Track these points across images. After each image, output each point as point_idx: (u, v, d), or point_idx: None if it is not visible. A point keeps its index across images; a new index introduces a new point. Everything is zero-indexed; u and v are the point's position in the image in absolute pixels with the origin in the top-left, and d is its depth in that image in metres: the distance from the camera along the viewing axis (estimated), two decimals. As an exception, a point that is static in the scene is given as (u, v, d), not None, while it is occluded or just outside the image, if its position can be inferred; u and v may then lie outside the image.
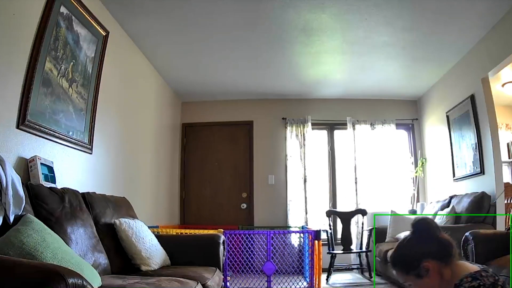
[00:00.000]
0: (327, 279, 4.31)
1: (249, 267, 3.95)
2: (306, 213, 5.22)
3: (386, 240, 4.46)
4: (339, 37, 3.82)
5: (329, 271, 4.39)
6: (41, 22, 2.31)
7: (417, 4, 3.19)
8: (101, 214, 2.50)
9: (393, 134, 5.40)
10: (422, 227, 1.35)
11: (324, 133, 5.68)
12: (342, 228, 4.76)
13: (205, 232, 3.69)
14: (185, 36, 3.77)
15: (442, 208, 4.07)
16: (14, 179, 1.71)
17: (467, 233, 2.56)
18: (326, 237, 4.61)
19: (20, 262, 1.06)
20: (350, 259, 4.96)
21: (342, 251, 4.62)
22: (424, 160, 5.30)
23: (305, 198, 5.27)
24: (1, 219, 1.55)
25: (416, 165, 5.36)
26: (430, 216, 1.26)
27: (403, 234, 4.07)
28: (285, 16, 3.41)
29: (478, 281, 1.18)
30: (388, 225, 4.54)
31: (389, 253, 3.91)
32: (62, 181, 2.49)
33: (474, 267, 1.26)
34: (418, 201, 5.25)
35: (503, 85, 4.65)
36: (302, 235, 4.61)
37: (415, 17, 3.39)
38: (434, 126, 5.07)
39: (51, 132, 2.43)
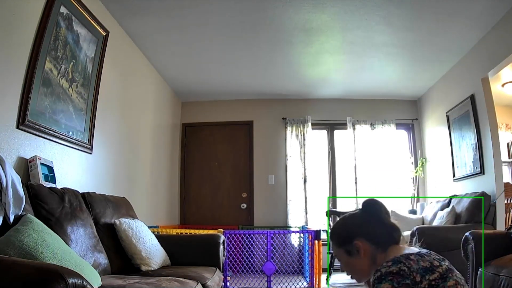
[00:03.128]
0: (327, 279, 4.31)
1: (249, 267, 3.95)
2: (306, 213, 5.22)
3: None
4: (339, 37, 3.82)
5: (329, 271, 4.39)
6: (41, 22, 2.31)
7: (417, 4, 3.19)
8: (101, 214, 2.50)
9: (393, 134, 5.40)
10: (370, 207, 1.29)
11: (324, 133, 5.68)
12: (342, 228, 4.75)
13: (205, 232, 3.69)
14: (185, 36, 3.77)
15: (442, 208, 4.07)
16: (14, 179, 1.71)
17: (467, 233, 2.56)
18: (326, 237, 4.61)
19: (20, 262, 1.06)
20: (350, 259, 4.95)
21: (342, 251, 4.61)
22: (424, 160, 5.30)
23: (305, 198, 5.27)
24: (1, 219, 1.55)
25: (416, 165, 5.36)
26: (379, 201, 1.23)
27: (404, 234, 4.07)
28: (285, 16, 3.41)
29: (399, 265, 1.07)
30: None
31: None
32: (62, 181, 2.49)
33: (409, 250, 1.16)
34: (418, 201, 5.25)
35: (503, 85, 4.65)
36: (302, 235, 4.61)
37: (415, 17, 3.39)
38: (434, 126, 5.07)
39: (51, 132, 2.43)
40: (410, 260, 1.08)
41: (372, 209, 1.29)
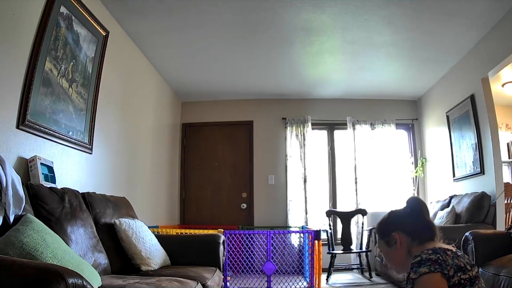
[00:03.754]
0: (327, 279, 4.31)
1: (249, 267, 3.95)
2: (306, 213, 5.22)
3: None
4: (339, 37, 3.82)
5: (329, 271, 4.39)
6: (41, 22, 2.31)
7: (417, 4, 3.19)
8: (101, 214, 2.50)
9: (393, 134, 5.40)
10: (414, 204, 1.42)
11: (324, 133, 5.68)
12: (342, 228, 4.76)
13: (205, 232, 3.69)
14: (185, 36, 3.77)
15: (442, 208, 4.07)
16: (14, 179, 1.71)
17: (467, 233, 2.56)
18: (326, 237, 4.61)
19: (20, 262, 1.06)
20: (350, 259, 4.96)
21: (342, 251, 4.62)
22: (424, 160, 5.30)
23: (305, 198, 5.27)
24: (1, 219, 1.55)
25: (416, 165, 5.36)
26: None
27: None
28: (285, 16, 3.41)
29: (438, 255, 1.15)
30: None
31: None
32: (62, 181, 2.49)
33: (446, 247, 1.24)
34: (418, 201, 5.24)
35: (503, 85, 4.65)
36: (302, 235, 4.61)
37: (415, 17, 3.39)
38: (434, 126, 5.07)
39: (51, 132, 2.43)
40: (447, 255, 1.16)
41: (413, 205, 1.42)
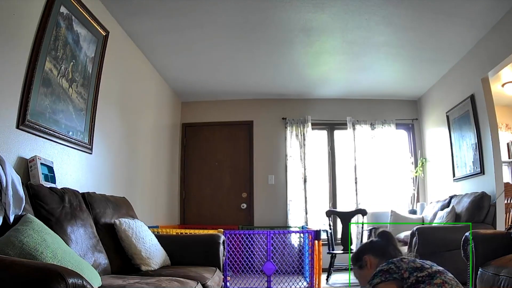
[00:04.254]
0: (327, 279, 4.31)
1: (249, 267, 3.95)
2: (306, 213, 5.22)
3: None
4: (339, 37, 3.82)
5: (329, 271, 4.39)
6: (41, 22, 2.31)
7: (417, 4, 3.19)
8: (101, 214, 2.50)
9: (393, 134, 5.40)
10: (381, 235, 1.67)
11: (324, 133, 5.68)
12: (342, 228, 4.76)
13: (205, 232, 3.69)
14: (185, 36, 3.77)
15: (442, 208, 4.07)
16: (14, 179, 1.71)
17: (467, 233, 2.56)
18: (326, 237, 4.61)
19: (20, 262, 1.06)
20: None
21: (342, 251, 4.62)
22: (424, 160, 5.30)
23: (305, 198, 5.27)
24: (1, 219, 1.55)
25: (416, 165, 5.36)
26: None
27: (403, 234, 4.08)
28: (285, 16, 3.41)
29: (390, 264, 1.32)
30: (388, 225, 4.54)
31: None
32: (62, 181, 2.49)
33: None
34: (418, 201, 5.25)
35: (503, 85, 4.65)
36: (302, 235, 4.61)
37: (415, 17, 3.39)
38: (434, 126, 5.07)
39: (51, 132, 2.43)
40: (402, 262, 1.32)
41: (381, 234, 1.67)
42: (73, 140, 2.69)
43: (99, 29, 3.02)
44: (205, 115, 5.67)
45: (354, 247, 4.78)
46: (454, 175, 4.40)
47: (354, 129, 5.41)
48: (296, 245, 4.94)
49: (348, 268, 4.80)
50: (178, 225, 5.26)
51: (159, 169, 4.70)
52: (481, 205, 3.51)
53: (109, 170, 3.29)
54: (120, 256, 2.44)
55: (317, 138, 5.60)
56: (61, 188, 2.24)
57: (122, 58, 3.58)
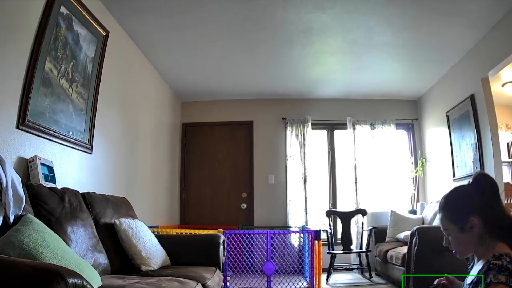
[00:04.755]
0: (327, 279, 4.31)
1: (249, 267, 3.95)
2: (306, 213, 5.22)
3: (386, 240, 4.47)
4: (339, 37, 3.82)
5: (329, 271, 4.39)
6: (41, 22, 2.31)
7: (417, 4, 3.19)
8: (101, 214, 2.50)
9: (393, 134, 5.40)
10: (485, 181, 1.26)
11: (324, 133, 5.68)
12: (342, 228, 4.76)
13: (205, 232, 3.69)
14: (185, 36, 3.77)
15: (442, 208, 4.07)
16: (14, 179, 1.71)
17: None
18: (326, 237, 4.61)
19: (20, 262, 1.06)
20: (350, 259, 4.96)
21: (342, 251, 4.62)
22: (424, 160, 5.29)
23: (305, 198, 5.27)
24: (1, 219, 1.55)
25: (416, 165, 5.36)
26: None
27: (403, 234, 4.08)
28: (285, 16, 3.41)
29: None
30: (388, 225, 4.54)
31: (390, 252, 3.91)
32: (62, 181, 2.49)
33: None
34: (418, 201, 5.25)
35: (503, 85, 4.65)
36: (302, 235, 4.61)
37: (415, 17, 3.39)
38: (434, 126, 5.07)
39: (51, 132, 2.43)
40: None
41: (487, 183, 1.26)
42: (73, 140, 2.69)
43: (99, 29, 3.02)
44: (205, 115, 5.67)
45: (354, 247, 4.79)
46: (454, 175, 4.40)
47: (354, 129, 5.41)
48: (296, 245, 4.94)
49: (348, 268, 4.81)
50: (178, 225, 5.26)
51: (159, 169, 4.70)
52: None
53: (109, 170, 3.29)
54: (120, 256, 2.44)
55: (317, 138, 5.60)
56: (61, 188, 2.24)
57: (122, 58, 3.58)
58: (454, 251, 1.31)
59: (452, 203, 1.30)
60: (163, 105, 4.92)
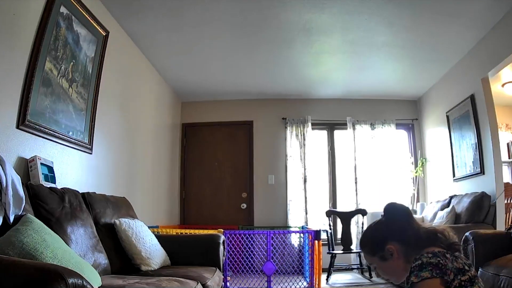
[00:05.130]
0: (327, 279, 4.31)
1: (249, 267, 3.95)
2: (306, 213, 5.22)
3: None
4: (339, 37, 3.82)
5: (329, 271, 4.39)
6: (41, 22, 2.31)
7: (417, 4, 3.19)
8: (101, 214, 2.50)
9: (393, 134, 5.40)
10: (391, 210, 1.36)
11: (324, 133, 5.68)
12: (342, 228, 4.76)
13: (205, 232, 3.68)
14: (185, 36, 3.77)
15: (442, 208, 4.07)
16: (14, 179, 1.71)
17: (467, 233, 2.56)
18: (326, 237, 4.61)
19: (20, 262, 1.06)
20: (350, 259, 4.96)
21: (342, 251, 4.62)
22: (424, 160, 5.30)
23: (305, 198, 5.27)
24: (1, 219, 1.55)
25: (416, 165, 5.36)
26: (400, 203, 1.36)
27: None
28: (285, 16, 3.41)
29: (438, 258, 1.13)
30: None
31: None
32: (62, 181, 2.49)
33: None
34: (418, 201, 5.25)
35: (503, 85, 4.65)
36: (302, 235, 4.61)
37: (415, 17, 3.39)
38: (434, 126, 5.07)
39: (51, 132, 2.43)
40: (446, 258, 1.14)
41: (393, 211, 1.35)
42: (73, 140, 2.69)
43: (99, 29, 3.02)
44: (205, 115, 5.67)
45: (354, 247, 4.78)
46: (454, 175, 4.40)
47: (354, 129, 5.41)
48: (296, 245, 4.94)
49: (348, 268, 4.81)
50: (178, 225, 5.26)
51: (159, 169, 4.70)
52: (481, 205, 3.51)
53: (109, 170, 3.29)
54: (120, 256, 2.44)
55: (317, 138, 5.60)
56: (61, 188, 2.24)
57: (122, 58, 3.58)
58: (387, 279, 1.38)
59: (368, 238, 1.39)
60: (163, 105, 4.92)
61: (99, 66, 3.06)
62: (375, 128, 5.42)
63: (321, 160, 5.57)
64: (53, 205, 1.99)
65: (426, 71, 4.62)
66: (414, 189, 5.31)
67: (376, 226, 1.39)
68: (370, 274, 4.45)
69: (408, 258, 1.26)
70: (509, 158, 5.30)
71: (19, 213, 1.68)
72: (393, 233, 1.31)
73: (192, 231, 3.84)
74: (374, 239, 1.35)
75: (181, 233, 3.84)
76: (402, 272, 1.30)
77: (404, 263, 1.27)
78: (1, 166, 1.66)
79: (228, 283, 3.71)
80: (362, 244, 1.41)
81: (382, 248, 1.30)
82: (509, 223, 3.57)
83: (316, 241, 3.78)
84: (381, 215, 1.38)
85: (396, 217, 1.34)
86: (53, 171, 2.35)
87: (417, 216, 4.66)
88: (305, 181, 5.31)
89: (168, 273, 2.28)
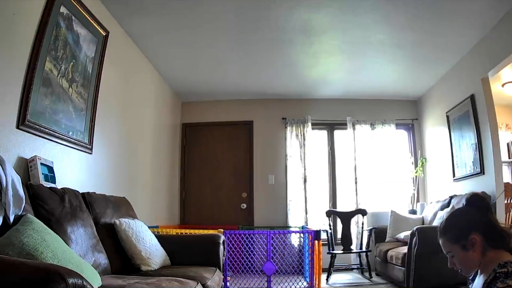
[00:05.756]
0: (327, 279, 4.31)
1: (249, 267, 3.95)
2: (306, 213, 5.22)
3: (386, 240, 4.46)
4: (339, 37, 3.82)
5: (329, 271, 4.39)
6: (41, 22, 2.31)
7: (417, 4, 3.19)
8: (101, 214, 2.50)
9: (393, 134, 5.40)
10: (479, 202, 1.35)
11: (324, 133, 5.68)
12: (342, 228, 4.76)
13: (205, 232, 3.68)
14: (185, 36, 3.77)
15: (442, 208, 4.07)
16: (14, 179, 1.71)
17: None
18: (326, 237, 4.61)
19: (20, 262, 1.06)
20: (350, 259, 4.96)
21: (342, 251, 4.62)
22: (424, 160, 5.30)
23: (305, 198, 5.27)
24: (1, 219, 1.55)
25: (416, 165, 5.36)
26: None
27: (403, 234, 4.08)
28: (285, 16, 3.41)
29: None
30: (388, 225, 4.54)
31: (390, 252, 3.91)
32: (62, 181, 2.49)
33: None
34: (418, 201, 5.25)
35: (503, 85, 4.65)
36: (302, 235, 4.61)
37: (415, 17, 3.39)
38: (434, 126, 5.07)
39: (51, 132, 2.43)
40: None
41: (480, 202, 1.35)
42: (73, 140, 2.69)
43: (99, 29, 3.02)
44: (205, 115, 5.67)
45: (354, 247, 4.79)
46: (454, 175, 4.39)
47: (354, 129, 5.41)
48: (296, 245, 4.94)
49: (348, 268, 4.81)
50: (178, 225, 5.26)
51: (159, 169, 4.70)
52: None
53: (109, 170, 3.29)
54: (120, 256, 2.44)
55: (317, 138, 5.60)
56: (61, 188, 2.24)
57: (122, 58, 3.58)
58: (460, 270, 1.36)
59: (451, 225, 1.37)
60: (163, 105, 4.92)
61: (99, 66, 3.06)
62: (375, 128, 5.42)
63: (321, 160, 5.57)
64: (53, 205, 1.99)
65: (426, 71, 4.62)
66: (414, 189, 5.31)
67: (462, 213, 1.37)
68: (370, 274, 4.45)
69: (484, 253, 1.27)
70: (509, 158, 5.30)
71: (19, 213, 1.68)
72: (479, 224, 1.30)
73: (192, 231, 3.84)
74: (461, 226, 1.33)
75: (181, 233, 3.84)
76: (475, 266, 1.31)
77: (480, 256, 1.28)
78: (1, 166, 1.66)
79: (228, 283, 3.71)
80: (445, 230, 1.37)
81: (466, 237, 1.29)
82: (509, 223, 3.57)
83: (316, 241, 3.78)
84: (463, 204, 1.38)
85: (483, 209, 1.33)
86: (53, 171, 2.35)
87: (417, 216, 4.66)
88: (305, 181, 5.31)
89: (168, 273, 2.28)
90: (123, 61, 3.63)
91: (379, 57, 4.26)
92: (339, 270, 4.69)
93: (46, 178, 2.23)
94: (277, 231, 4.19)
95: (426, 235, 3.20)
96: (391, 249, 3.98)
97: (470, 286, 1.36)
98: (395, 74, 4.77)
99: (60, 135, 2.53)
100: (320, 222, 5.06)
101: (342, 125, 5.51)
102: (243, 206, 5.42)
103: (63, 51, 2.56)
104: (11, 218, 1.61)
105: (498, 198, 3.50)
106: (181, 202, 5.49)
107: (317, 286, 3.74)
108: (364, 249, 4.65)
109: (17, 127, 2.13)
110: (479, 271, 1.32)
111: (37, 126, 2.28)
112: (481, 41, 3.72)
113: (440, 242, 1.40)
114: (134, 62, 3.93)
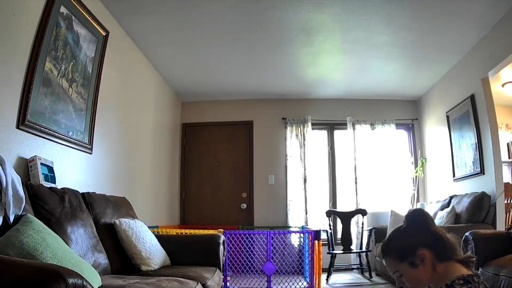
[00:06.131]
0: (327, 279, 4.31)
1: (249, 267, 3.95)
2: (306, 213, 5.22)
3: (386, 240, 4.46)
4: (339, 37, 3.82)
5: (329, 271, 4.39)
6: (41, 22, 2.31)
7: (417, 4, 3.19)
8: (101, 214, 2.50)
9: (393, 134, 5.40)
10: (418, 217, 1.33)
11: (324, 133, 5.68)
12: (342, 228, 4.76)
13: (205, 232, 3.68)
14: (185, 36, 3.77)
15: (442, 208, 4.07)
16: (14, 179, 1.71)
17: (467, 233, 2.57)
18: (326, 237, 4.61)
19: (20, 262, 1.06)
20: (350, 259, 4.96)
21: (342, 251, 4.62)
22: (424, 160, 5.30)
23: (305, 198, 5.27)
24: (1, 219, 1.55)
25: (416, 165, 5.36)
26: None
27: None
28: (285, 16, 3.41)
29: (469, 285, 1.14)
30: (388, 225, 4.54)
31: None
32: (62, 181, 2.49)
33: (466, 270, 1.23)
34: (418, 201, 5.25)
35: (503, 85, 4.65)
36: (302, 235, 4.61)
37: (415, 17, 3.39)
38: (434, 126, 5.07)
39: (51, 132, 2.43)
40: (475, 283, 1.15)
41: (420, 218, 1.33)
42: (73, 140, 2.69)
43: (99, 29, 3.02)
44: (205, 115, 5.67)
45: (354, 247, 4.79)
46: (454, 175, 4.40)
47: (354, 129, 5.41)
48: (296, 245, 4.94)
49: (348, 268, 4.81)
50: (178, 225, 5.26)
51: (159, 169, 4.70)
52: (481, 205, 3.51)
53: (109, 170, 3.29)
54: (120, 256, 2.44)
55: (317, 138, 5.60)
56: (61, 188, 2.24)
57: (122, 58, 3.58)
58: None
59: (396, 244, 1.34)
60: (163, 105, 4.92)
61: (99, 66, 3.06)
62: (375, 128, 5.42)
63: (321, 160, 5.57)
64: (53, 205, 1.99)
65: (426, 71, 4.62)
66: (414, 189, 5.31)
67: (405, 231, 1.34)
68: (370, 274, 4.45)
69: (435, 267, 1.25)
70: (509, 158, 5.30)
71: (19, 213, 1.68)
72: (425, 238, 1.28)
73: (192, 231, 3.84)
74: (405, 244, 1.30)
75: (181, 233, 3.84)
76: (426, 281, 1.28)
77: (431, 271, 1.26)
78: (1, 166, 1.66)
79: (228, 283, 3.71)
80: (389, 250, 1.35)
81: (414, 253, 1.26)
82: (509, 223, 3.57)
83: (316, 241, 3.78)
84: (403, 221, 1.35)
85: (425, 223, 1.31)
86: (53, 171, 2.35)
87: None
88: (305, 181, 5.31)
89: (168, 273, 2.28)
90: (123, 61, 3.63)
91: (380, 57, 4.26)
92: (339, 270, 4.69)
93: (46, 178, 2.23)
94: (277, 231, 4.19)
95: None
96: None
97: None
98: (395, 74, 4.77)
99: (60, 135, 2.53)
100: (320, 222, 5.06)
101: (342, 125, 5.51)
102: (243, 206, 5.42)
103: (63, 51, 2.56)
104: (11, 218, 1.61)
105: (498, 198, 3.50)
106: (181, 202, 5.49)
107: (317, 286, 3.74)
108: (364, 249, 4.65)
109: (17, 127, 2.13)
110: (429, 286, 1.30)
111: (37, 126, 2.28)
112: (481, 41, 3.72)
113: (384, 262, 1.36)
114: (134, 62, 3.93)
